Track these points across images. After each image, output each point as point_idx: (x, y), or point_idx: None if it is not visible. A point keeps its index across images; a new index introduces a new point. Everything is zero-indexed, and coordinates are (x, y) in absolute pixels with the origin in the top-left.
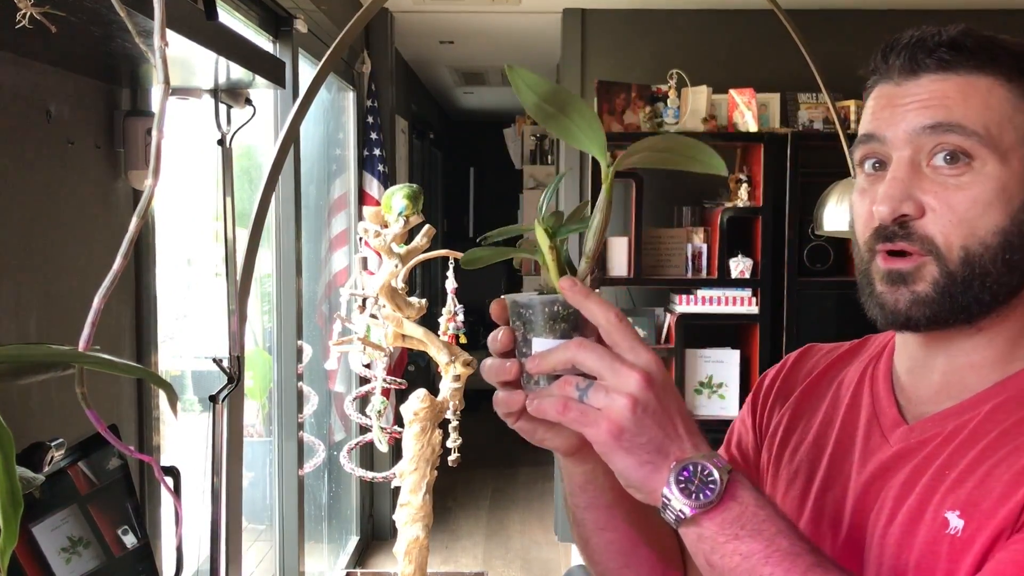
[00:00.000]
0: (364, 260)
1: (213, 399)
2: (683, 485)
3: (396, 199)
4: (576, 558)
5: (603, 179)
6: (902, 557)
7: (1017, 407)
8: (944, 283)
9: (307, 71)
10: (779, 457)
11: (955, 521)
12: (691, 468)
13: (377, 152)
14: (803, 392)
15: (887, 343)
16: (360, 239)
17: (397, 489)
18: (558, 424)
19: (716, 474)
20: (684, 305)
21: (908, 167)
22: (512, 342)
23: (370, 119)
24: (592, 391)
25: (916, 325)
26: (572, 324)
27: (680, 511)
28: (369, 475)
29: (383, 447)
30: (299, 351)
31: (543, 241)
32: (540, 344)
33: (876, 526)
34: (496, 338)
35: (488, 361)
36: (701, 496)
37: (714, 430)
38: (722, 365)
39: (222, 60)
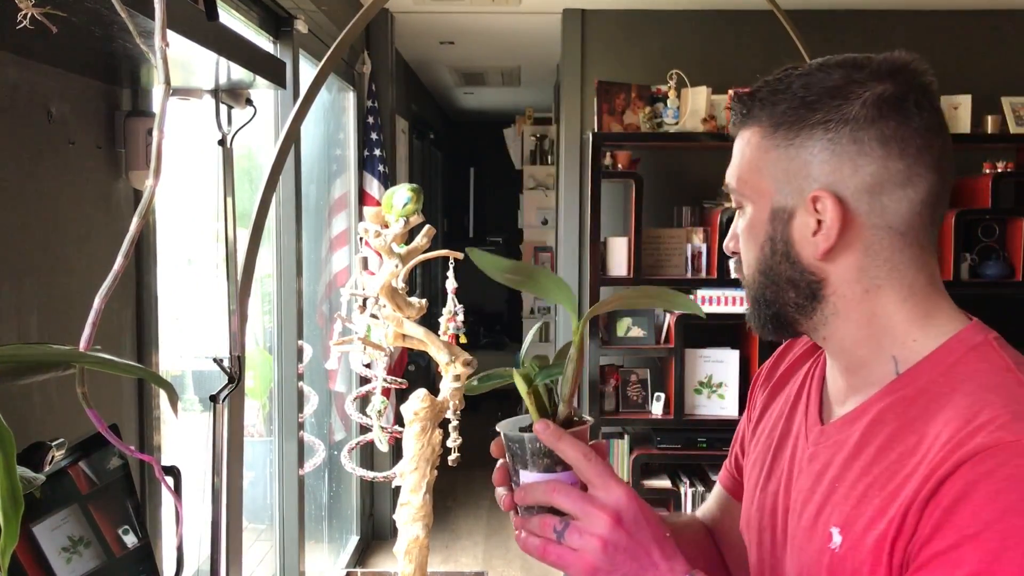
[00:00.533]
0: (364, 260)
1: (214, 399)
2: None
3: (400, 193)
4: None
5: (574, 332)
6: (802, 559)
7: (894, 417)
8: (750, 305)
9: (308, 71)
10: (750, 445)
11: (836, 537)
12: None
13: (377, 152)
14: (775, 383)
15: None
16: (360, 239)
17: (397, 489)
18: None
19: None
20: None
21: (737, 214)
22: (507, 477)
23: (370, 119)
24: (568, 533)
25: (760, 337)
26: (554, 459)
27: None
28: (369, 475)
29: (383, 447)
30: (299, 351)
31: (521, 387)
32: (526, 476)
33: (790, 526)
34: (496, 471)
35: (497, 489)
36: None
37: (713, 429)
38: (722, 365)
39: (223, 61)
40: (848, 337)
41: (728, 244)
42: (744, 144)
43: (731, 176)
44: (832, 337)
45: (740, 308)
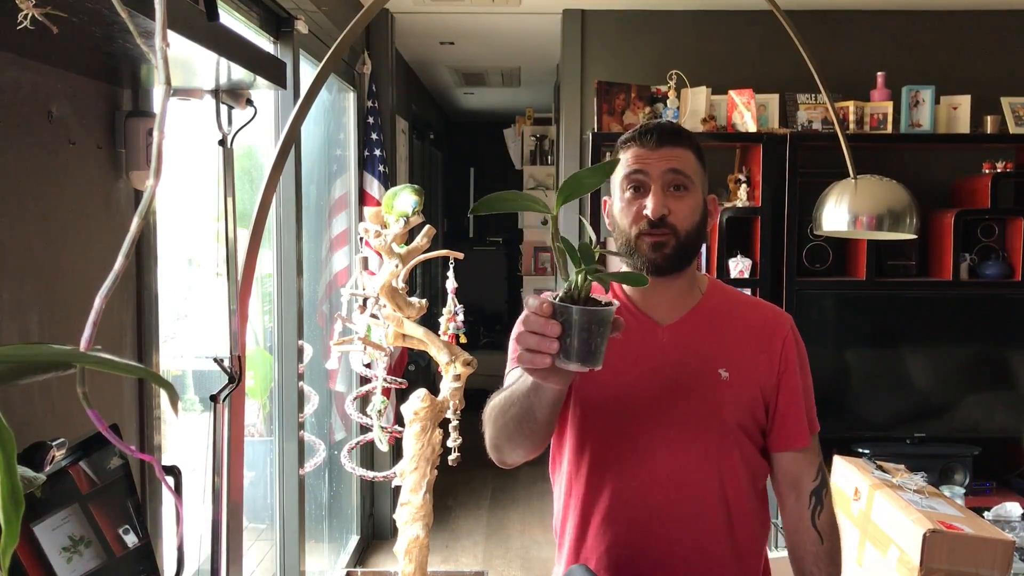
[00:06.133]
0: (365, 260)
1: (214, 399)
2: None
3: (405, 197)
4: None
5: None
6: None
7: (717, 307)
8: (678, 248)
9: (308, 72)
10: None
11: (724, 374)
12: None
13: (377, 152)
14: None
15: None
16: (361, 239)
17: (397, 488)
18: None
19: None
20: None
21: (660, 190)
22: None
23: (370, 119)
24: None
25: (662, 271)
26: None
27: None
28: (369, 474)
29: (383, 446)
30: (300, 351)
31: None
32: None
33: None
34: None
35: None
36: None
37: None
38: None
39: (223, 61)
40: (689, 275)
41: (661, 209)
42: (684, 157)
43: (686, 168)
44: (685, 274)
45: None
